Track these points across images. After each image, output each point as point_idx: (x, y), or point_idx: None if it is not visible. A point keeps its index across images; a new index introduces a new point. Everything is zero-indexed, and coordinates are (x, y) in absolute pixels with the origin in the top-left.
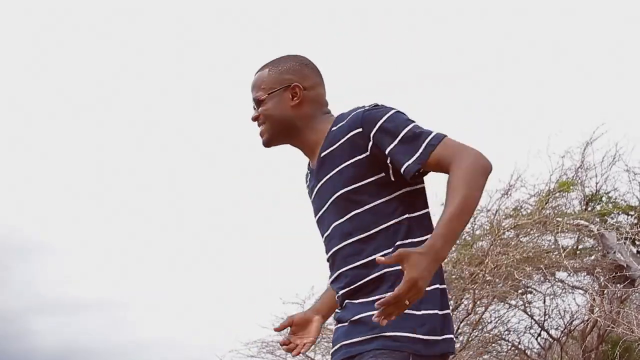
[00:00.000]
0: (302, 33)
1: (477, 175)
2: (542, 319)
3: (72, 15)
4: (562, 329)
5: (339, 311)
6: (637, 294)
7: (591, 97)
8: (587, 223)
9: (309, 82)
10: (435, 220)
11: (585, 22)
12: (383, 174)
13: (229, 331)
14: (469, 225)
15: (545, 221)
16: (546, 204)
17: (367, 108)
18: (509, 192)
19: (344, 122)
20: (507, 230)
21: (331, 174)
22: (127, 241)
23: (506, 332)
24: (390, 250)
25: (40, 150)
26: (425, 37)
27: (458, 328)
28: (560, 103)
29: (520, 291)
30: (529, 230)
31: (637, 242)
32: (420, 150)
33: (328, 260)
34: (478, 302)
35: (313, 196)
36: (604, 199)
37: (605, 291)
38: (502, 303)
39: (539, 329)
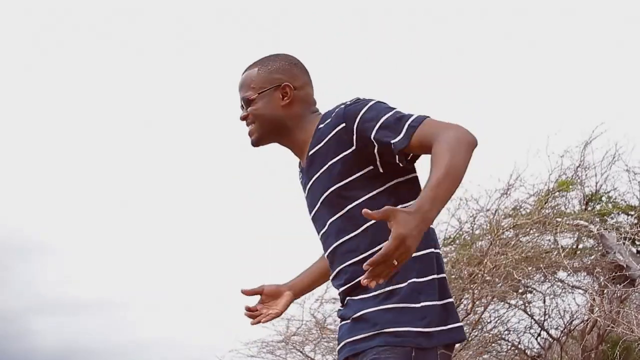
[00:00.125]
0: (302, 33)
1: (461, 146)
2: (542, 318)
3: (72, 15)
4: (562, 329)
5: (341, 308)
6: (637, 293)
7: (591, 97)
8: (586, 223)
9: (298, 82)
10: None
11: (585, 22)
12: (371, 167)
13: (229, 331)
14: (468, 225)
15: (545, 221)
16: (545, 203)
17: (348, 103)
18: (508, 192)
19: (329, 120)
20: (507, 230)
21: (320, 171)
22: (127, 241)
23: (506, 332)
24: None
25: (40, 151)
26: (425, 37)
27: None
28: (560, 102)
29: (520, 291)
30: (528, 230)
31: (637, 242)
32: (403, 132)
33: (327, 258)
34: (477, 302)
35: (306, 194)
36: (603, 198)
37: (605, 291)
38: (502, 303)
39: (539, 328)
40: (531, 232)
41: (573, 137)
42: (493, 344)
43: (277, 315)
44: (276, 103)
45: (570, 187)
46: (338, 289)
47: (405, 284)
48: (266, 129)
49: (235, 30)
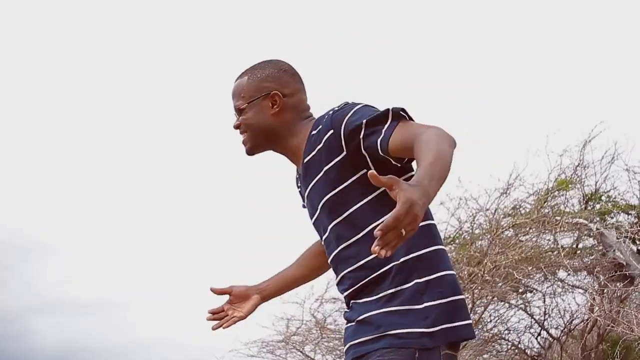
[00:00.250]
0: (302, 33)
1: (444, 141)
2: (542, 318)
3: (72, 15)
4: (562, 328)
5: (347, 310)
6: (637, 293)
7: (590, 97)
8: (586, 222)
9: (288, 89)
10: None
11: (585, 22)
12: (365, 170)
13: (229, 331)
14: (467, 225)
15: (544, 220)
16: (545, 202)
17: (335, 109)
18: (508, 191)
19: (320, 127)
20: (506, 230)
21: (316, 179)
22: (127, 241)
23: (506, 332)
24: None
25: (40, 150)
26: (425, 37)
27: None
28: (559, 102)
29: (519, 291)
30: (528, 229)
31: (638, 241)
32: (383, 133)
33: (331, 263)
34: (477, 302)
35: (305, 201)
36: (603, 198)
37: (605, 290)
38: (502, 302)
39: (539, 328)
40: (531, 231)
41: (572, 136)
42: (493, 344)
43: (241, 319)
44: (266, 112)
45: (570, 186)
46: (342, 293)
47: (409, 285)
48: (258, 138)
49: (235, 30)
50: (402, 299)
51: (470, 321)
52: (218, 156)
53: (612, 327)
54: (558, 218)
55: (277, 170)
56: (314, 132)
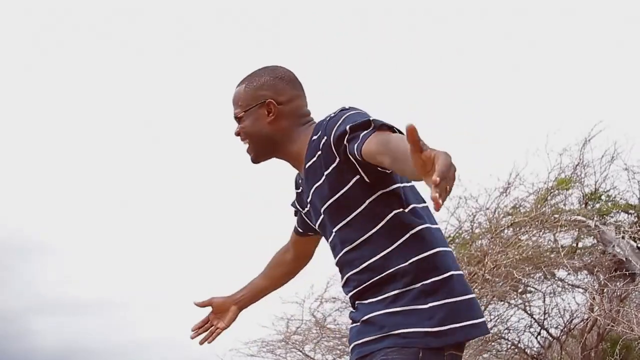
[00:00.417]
0: (302, 33)
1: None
2: (542, 317)
3: (72, 15)
4: (561, 328)
5: (352, 311)
6: (637, 292)
7: (590, 96)
8: (584, 219)
9: (284, 97)
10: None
11: (585, 22)
12: (358, 176)
13: (229, 330)
14: (467, 224)
15: (544, 219)
16: (545, 201)
17: (332, 115)
18: (508, 190)
19: (319, 132)
20: (506, 228)
21: (318, 184)
22: (127, 241)
23: (506, 331)
24: (391, 249)
25: (40, 150)
26: (425, 37)
27: None
28: (559, 101)
29: (519, 290)
30: (527, 228)
31: (638, 240)
32: (359, 139)
33: (336, 265)
34: (477, 301)
35: (308, 206)
36: (603, 197)
37: (605, 290)
38: (502, 302)
39: (539, 327)
40: (530, 230)
41: (572, 135)
42: (493, 343)
43: (223, 330)
44: (262, 120)
45: (570, 185)
46: (347, 294)
47: (415, 286)
48: (258, 146)
49: (235, 30)
50: (407, 299)
51: (479, 320)
52: (218, 156)
53: (612, 326)
54: (557, 216)
55: (277, 170)
56: (314, 137)
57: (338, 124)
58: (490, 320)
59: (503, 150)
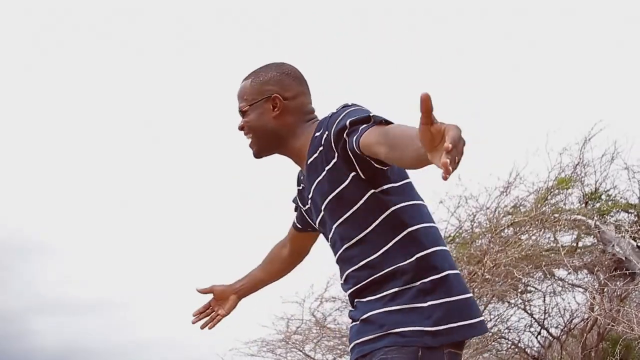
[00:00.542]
0: (302, 33)
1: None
2: (542, 317)
3: (72, 15)
4: (562, 328)
5: (351, 310)
6: (637, 292)
7: (590, 96)
8: (585, 218)
9: (290, 93)
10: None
11: (585, 22)
12: (355, 173)
13: (229, 330)
14: (468, 224)
15: (543, 218)
16: (545, 201)
17: (334, 112)
18: (508, 190)
19: (322, 129)
20: (506, 228)
21: (317, 180)
22: (127, 241)
23: (506, 331)
24: (389, 246)
25: (40, 150)
26: (425, 37)
27: None
28: (559, 101)
29: (519, 290)
30: (527, 228)
31: (638, 240)
32: (359, 132)
33: (336, 263)
34: (477, 301)
35: (309, 202)
36: (603, 197)
37: (605, 289)
38: (502, 301)
39: (539, 327)
40: (530, 229)
41: (572, 134)
42: (493, 343)
43: (223, 317)
44: (267, 114)
45: (570, 184)
46: (346, 292)
47: (414, 284)
48: (262, 141)
49: (235, 30)
50: (406, 297)
51: (477, 319)
52: (218, 156)
53: (612, 326)
54: (557, 215)
55: (277, 170)
56: (317, 133)
57: (339, 119)
58: (491, 320)
59: (503, 150)
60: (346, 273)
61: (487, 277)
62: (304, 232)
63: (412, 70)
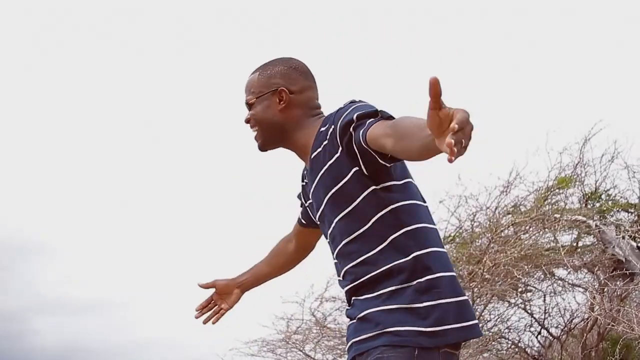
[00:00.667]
0: (302, 33)
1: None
2: (542, 317)
3: (72, 15)
4: (562, 327)
5: (348, 308)
6: (637, 291)
7: (590, 96)
8: (585, 219)
9: (296, 86)
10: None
11: (585, 22)
12: (357, 168)
13: (229, 330)
14: (467, 223)
15: (544, 218)
16: (545, 200)
17: (341, 106)
18: (508, 189)
19: (328, 123)
20: (506, 228)
21: (320, 174)
22: (127, 241)
23: (506, 330)
24: (386, 244)
25: (40, 150)
26: (425, 37)
27: None
28: (559, 100)
29: (519, 289)
30: (527, 227)
31: (637, 239)
32: (365, 125)
33: (335, 259)
34: (477, 300)
35: (311, 197)
36: (603, 196)
37: (606, 289)
38: (502, 301)
39: (539, 327)
40: (530, 229)
41: (572, 134)
42: (493, 343)
43: (227, 311)
44: (274, 107)
45: (570, 184)
46: (344, 288)
47: (411, 284)
48: (267, 133)
49: (235, 30)
50: (403, 297)
51: (472, 322)
52: (218, 156)
53: (613, 326)
54: (557, 216)
55: (277, 170)
56: (322, 128)
57: (346, 113)
58: (491, 320)
59: (503, 149)
60: (344, 269)
61: (487, 276)
62: (308, 228)
63: (412, 70)
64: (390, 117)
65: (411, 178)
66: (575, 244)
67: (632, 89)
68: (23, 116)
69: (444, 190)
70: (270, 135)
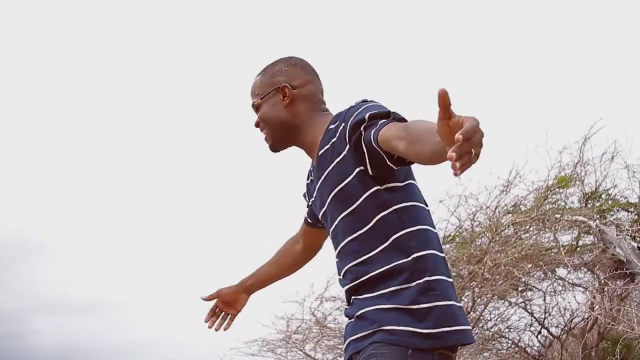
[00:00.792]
0: (302, 33)
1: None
2: (542, 316)
3: (72, 15)
4: (562, 327)
5: (347, 307)
6: (637, 291)
7: (590, 95)
8: (585, 219)
9: (298, 81)
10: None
11: (585, 22)
12: (362, 167)
13: (229, 330)
14: (468, 223)
15: (544, 217)
16: (545, 200)
17: (353, 105)
18: (508, 189)
19: (338, 121)
20: (506, 227)
21: (327, 171)
22: (127, 241)
23: (506, 330)
24: (387, 244)
25: (40, 150)
26: (425, 37)
27: None
28: (559, 100)
29: (520, 289)
30: (528, 227)
31: (637, 239)
32: (377, 126)
33: (336, 257)
34: (478, 300)
35: (315, 194)
36: (603, 196)
37: (606, 289)
38: (502, 301)
39: (539, 326)
40: (531, 229)
41: (572, 133)
42: (493, 342)
43: (237, 314)
44: (279, 105)
45: (570, 183)
46: (344, 287)
47: (410, 285)
48: (276, 132)
49: (235, 30)
50: (401, 298)
51: (466, 327)
52: (218, 156)
53: (613, 325)
54: (558, 215)
55: (277, 170)
56: (332, 126)
57: (358, 112)
58: (491, 319)
59: (503, 149)
60: (345, 268)
61: (487, 276)
62: (315, 228)
63: (412, 70)
64: (403, 119)
65: (414, 180)
66: (575, 244)
67: (632, 89)
68: (23, 116)
69: (444, 190)
70: (279, 133)
